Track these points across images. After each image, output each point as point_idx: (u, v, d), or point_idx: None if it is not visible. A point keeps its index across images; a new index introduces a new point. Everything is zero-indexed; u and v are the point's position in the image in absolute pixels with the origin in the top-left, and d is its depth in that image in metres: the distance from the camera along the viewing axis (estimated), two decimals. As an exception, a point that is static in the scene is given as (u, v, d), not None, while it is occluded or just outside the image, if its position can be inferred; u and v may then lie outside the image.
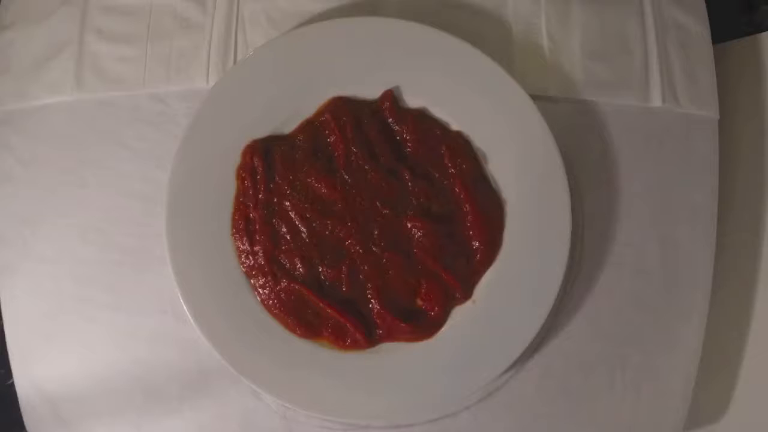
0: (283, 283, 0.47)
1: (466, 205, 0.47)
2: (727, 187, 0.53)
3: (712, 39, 0.53)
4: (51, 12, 0.53)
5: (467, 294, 0.48)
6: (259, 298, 0.48)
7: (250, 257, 0.47)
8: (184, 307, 0.47)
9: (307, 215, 0.47)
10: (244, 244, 0.47)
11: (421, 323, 0.47)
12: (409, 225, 0.47)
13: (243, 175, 0.47)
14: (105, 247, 0.51)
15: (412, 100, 0.49)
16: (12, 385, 0.52)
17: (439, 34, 0.48)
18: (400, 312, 0.47)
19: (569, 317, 0.51)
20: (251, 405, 0.50)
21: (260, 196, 0.47)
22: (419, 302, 0.47)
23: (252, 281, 0.48)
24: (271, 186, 0.48)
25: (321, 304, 0.46)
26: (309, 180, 0.47)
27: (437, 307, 0.47)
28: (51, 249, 0.51)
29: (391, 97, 0.48)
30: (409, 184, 0.48)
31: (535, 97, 0.48)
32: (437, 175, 0.48)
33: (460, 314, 0.48)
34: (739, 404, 0.56)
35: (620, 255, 0.51)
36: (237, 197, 0.48)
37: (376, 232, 0.47)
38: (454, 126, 0.49)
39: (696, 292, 0.51)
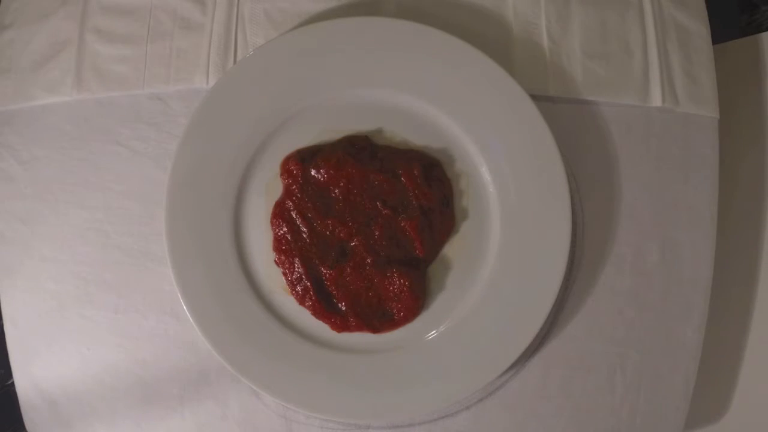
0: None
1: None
2: (727, 187, 0.52)
3: (712, 39, 0.53)
4: (51, 12, 0.53)
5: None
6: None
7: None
8: (184, 307, 0.47)
9: (309, 215, 0.47)
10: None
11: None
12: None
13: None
14: (105, 247, 0.51)
15: (412, 101, 0.49)
16: (12, 385, 0.52)
17: (439, 34, 0.48)
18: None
19: (569, 317, 0.51)
20: (251, 405, 0.50)
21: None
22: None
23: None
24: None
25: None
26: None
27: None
28: (51, 249, 0.51)
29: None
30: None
31: (535, 97, 0.48)
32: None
33: (460, 314, 0.48)
34: (739, 404, 0.56)
35: (620, 255, 0.51)
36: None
37: (377, 233, 0.47)
38: (454, 126, 0.49)
39: (696, 292, 0.51)
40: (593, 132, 0.52)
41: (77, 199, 0.51)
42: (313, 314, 0.47)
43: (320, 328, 0.48)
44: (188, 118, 0.48)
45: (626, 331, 0.51)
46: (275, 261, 0.48)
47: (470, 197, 0.49)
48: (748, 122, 0.58)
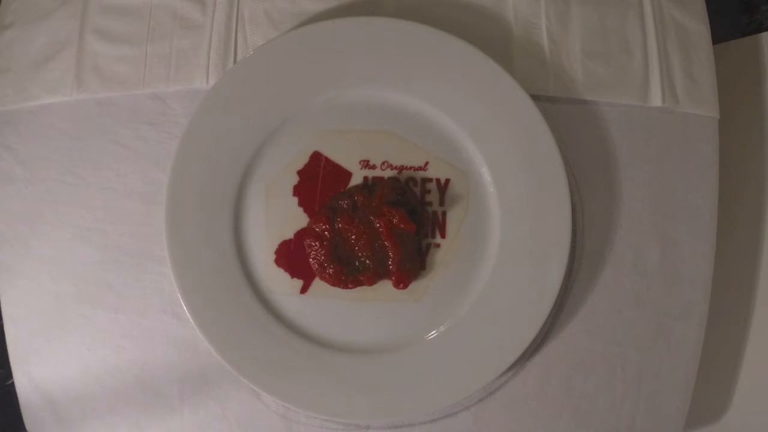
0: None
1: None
2: (727, 187, 0.53)
3: (712, 39, 0.53)
4: (51, 12, 0.53)
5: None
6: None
7: None
8: (184, 307, 0.47)
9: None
10: None
11: None
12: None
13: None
14: (105, 247, 0.51)
15: (412, 101, 0.49)
16: (12, 385, 0.52)
17: (438, 34, 0.48)
18: None
19: (569, 317, 0.51)
20: (251, 405, 0.50)
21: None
22: None
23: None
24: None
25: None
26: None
27: None
28: (51, 249, 0.51)
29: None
30: None
31: (535, 97, 0.48)
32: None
33: (460, 314, 0.48)
34: (739, 404, 0.56)
35: (620, 255, 0.51)
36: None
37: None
38: (454, 126, 0.49)
39: (696, 292, 0.51)
40: (593, 132, 0.52)
41: (77, 199, 0.51)
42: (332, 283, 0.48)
43: (320, 327, 0.48)
44: (188, 118, 0.48)
45: (626, 331, 0.51)
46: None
47: (470, 197, 0.49)
48: (748, 122, 0.58)
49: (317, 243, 0.48)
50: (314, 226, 0.48)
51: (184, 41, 0.52)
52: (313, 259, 0.48)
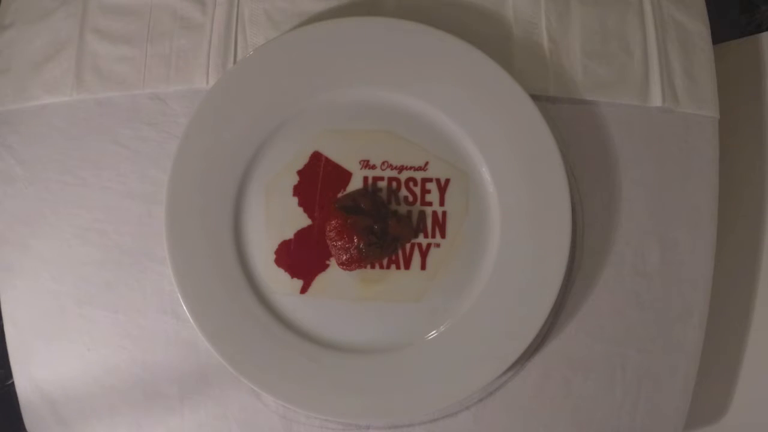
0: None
1: None
2: (727, 187, 0.53)
3: (712, 39, 0.53)
4: (51, 12, 0.53)
5: None
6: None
7: None
8: (184, 307, 0.47)
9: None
10: None
11: None
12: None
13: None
14: (105, 247, 0.51)
15: (412, 100, 0.49)
16: (12, 385, 0.52)
17: (439, 34, 0.48)
18: None
19: (569, 317, 0.51)
20: (251, 405, 0.50)
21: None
22: None
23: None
24: None
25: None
26: None
27: None
28: (51, 249, 0.51)
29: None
30: None
31: (535, 97, 0.48)
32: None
33: (460, 314, 0.48)
34: (739, 404, 0.56)
35: (620, 255, 0.51)
36: None
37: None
38: (454, 126, 0.49)
39: (696, 292, 0.51)
40: (593, 132, 0.52)
41: (77, 199, 0.51)
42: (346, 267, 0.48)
43: (320, 327, 0.48)
44: (188, 118, 0.48)
45: (626, 331, 0.51)
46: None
47: (470, 197, 0.49)
48: (748, 122, 0.58)
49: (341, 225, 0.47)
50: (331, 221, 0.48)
51: (184, 41, 0.52)
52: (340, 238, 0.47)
